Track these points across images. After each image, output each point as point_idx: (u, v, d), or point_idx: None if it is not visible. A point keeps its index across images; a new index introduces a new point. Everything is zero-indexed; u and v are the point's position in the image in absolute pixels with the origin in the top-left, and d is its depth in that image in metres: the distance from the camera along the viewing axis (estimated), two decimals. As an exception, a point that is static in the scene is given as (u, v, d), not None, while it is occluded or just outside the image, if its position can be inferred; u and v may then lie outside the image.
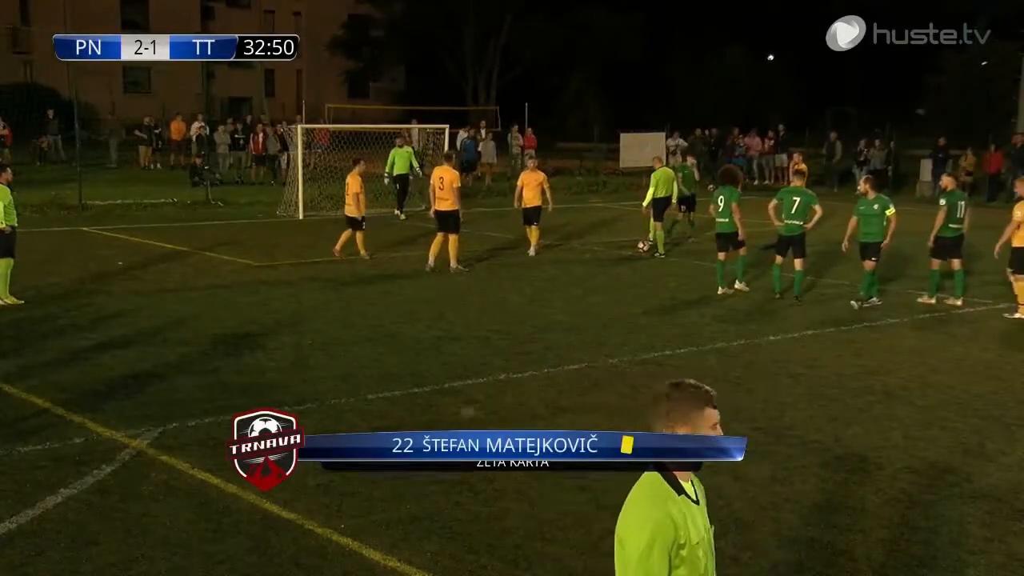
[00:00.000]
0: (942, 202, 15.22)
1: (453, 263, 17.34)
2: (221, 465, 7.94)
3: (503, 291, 15.94)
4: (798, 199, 15.30)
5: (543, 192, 19.35)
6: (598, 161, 38.70)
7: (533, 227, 19.46)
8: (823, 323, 13.95)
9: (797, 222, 15.21)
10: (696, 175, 22.82)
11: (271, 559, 6.45)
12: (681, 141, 38.42)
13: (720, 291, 15.84)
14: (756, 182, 37.33)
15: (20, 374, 10.48)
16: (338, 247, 18.59)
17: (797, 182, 15.95)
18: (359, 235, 18.59)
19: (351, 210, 18.59)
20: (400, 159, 25.95)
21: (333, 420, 9.21)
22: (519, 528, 6.98)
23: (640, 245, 20.49)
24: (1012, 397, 10.53)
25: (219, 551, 6.53)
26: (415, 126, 33.92)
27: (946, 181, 16.08)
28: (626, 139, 39.25)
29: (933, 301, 15.24)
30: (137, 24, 57.21)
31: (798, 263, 15.32)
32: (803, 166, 22.29)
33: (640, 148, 36.06)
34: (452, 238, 17.32)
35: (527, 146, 37.02)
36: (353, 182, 18.60)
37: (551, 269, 18.15)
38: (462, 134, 34.37)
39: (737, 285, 16.16)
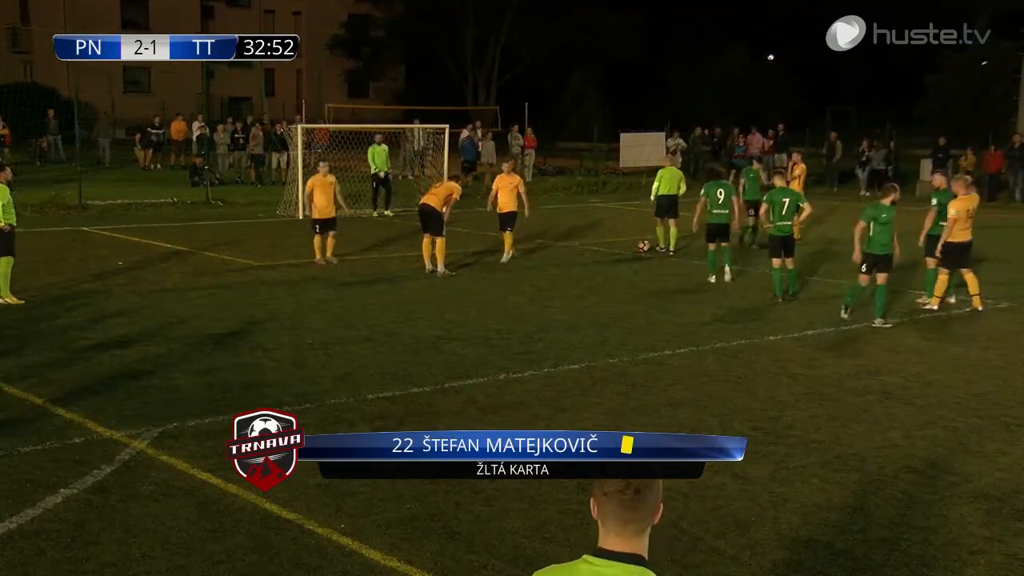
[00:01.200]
0: (934, 201, 15.25)
1: (440, 267, 17.11)
2: (221, 465, 7.95)
3: (503, 291, 15.94)
4: (787, 200, 15.44)
5: (519, 196, 18.58)
6: (598, 161, 38.69)
7: (507, 233, 18.75)
8: (823, 323, 13.95)
9: (787, 223, 15.36)
10: (762, 178, 21.46)
11: (271, 559, 6.45)
12: (681, 141, 38.41)
13: (712, 279, 16.82)
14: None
15: (20, 374, 10.48)
16: (318, 254, 17.99)
17: (780, 182, 16.13)
18: (316, 239, 18.02)
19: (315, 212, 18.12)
20: (379, 157, 26.00)
21: (333, 420, 9.21)
22: (519, 528, 6.98)
23: (640, 245, 20.50)
24: (1012, 397, 10.53)
25: (219, 551, 6.53)
26: (417, 126, 33.96)
27: (938, 180, 15.99)
28: (626, 139, 39.24)
29: (931, 301, 15.18)
30: (137, 24, 57.23)
31: (790, 262, 15.44)
32: (802, 166, 22.32)
33: (640, 148, 36.08)
34: (439, 241, 17.03)
35: (527, 146, 37.04)
36: (308, 184, 18.27)
37: (551, 269, 18.15)
38: (464, 134, 34.39)
39: (727, 277, 16.88)
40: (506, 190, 18.64)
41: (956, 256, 14.74)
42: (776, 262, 15.43)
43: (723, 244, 17.02)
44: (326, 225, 17.98)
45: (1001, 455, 8.69)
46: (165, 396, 9.85)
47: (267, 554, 6.51)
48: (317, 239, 17.98)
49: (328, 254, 18.06)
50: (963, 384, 10.97)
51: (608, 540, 3.08)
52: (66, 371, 10.66)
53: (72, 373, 10.60)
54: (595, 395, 10.27)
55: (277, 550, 6.57)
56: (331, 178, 18.27)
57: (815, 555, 6.70)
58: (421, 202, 17.52)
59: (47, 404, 9.50)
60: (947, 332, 13.66)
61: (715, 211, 16.92)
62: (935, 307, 14.79)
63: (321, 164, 18.85)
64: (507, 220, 18.77)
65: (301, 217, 24.79)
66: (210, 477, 7.73)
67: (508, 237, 18.84)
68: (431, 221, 17.06)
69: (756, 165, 22.72)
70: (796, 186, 21.48)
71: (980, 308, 14.74)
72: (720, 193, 16.97)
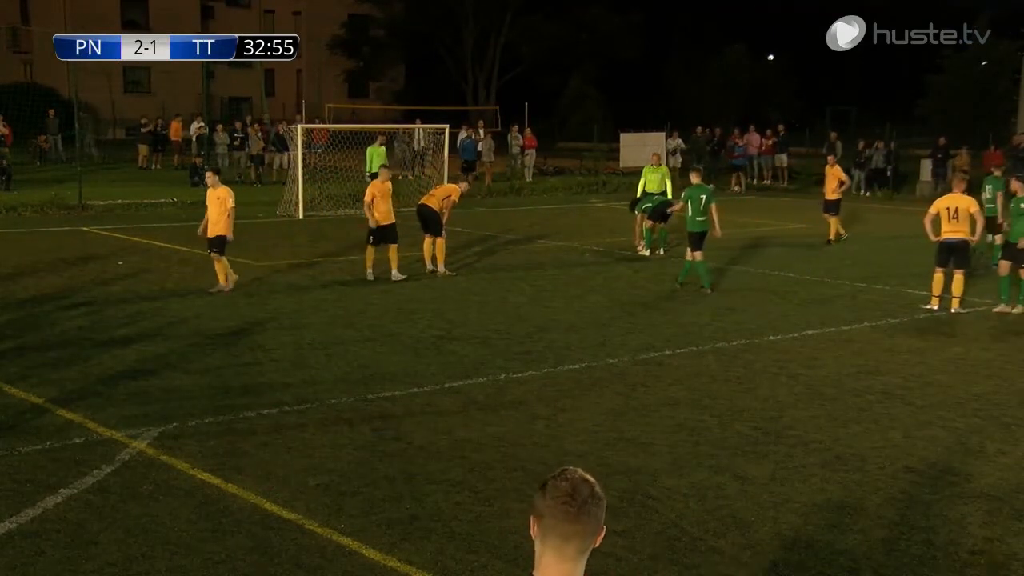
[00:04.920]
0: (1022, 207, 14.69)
1: (440, 267, 17.09)
2: (221, 465, 7.96)
3: (503, 291, 15.94)
4: (704, 196, 16.18)
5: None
6: (598, 161, 38.72)
7: (392, 246, 16.62)
8: (823, 323, 13.95)
9: (704, 218, 16.06)
10: (1000, 195, 18.28)
11: (271, 559, 6.45)
12: (680, 141, 38.42)
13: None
14: (755, 181, 37.35)
15: (20, 374, 10.48)
16: (221, 279, 15.32)
17: (696, 180, 16.72)
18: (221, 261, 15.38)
19: (223, 227, 15.14)
20: (377, 157, 26.03)
21: (333, 420, 9.21)
22: (519, 528, 6.97)
23: (640, 245, 20.49)
24: (1012, 397, 10.52)
25: (219, 551, 6.53)
26: (418, 126, 33.97)
27: (1015, 186, 15.01)
28: (626, 139, 39.29)
29: (1012, 309, 14.67)
30: (137, 24, 57.24)
31: (699, 255, 15.99)
32: (839, 175, 22.54)
33: (640, 148, 36.10)
34: (439, 241, 17.04)
35: (527, 146, 37.07)
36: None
37: (551, 269, 18.15)
38: (462, 134, 34.42)
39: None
40: (386, 198, 16.61)
41: (944, 255, 14.74)
42: (697, 255, 16.01)
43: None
44: (211, 243, 15.24)
45: (1001, 455, 8.69)
46: (165, 396, 9.85)
47: (267, 554, 6.50)
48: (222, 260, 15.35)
49: (222, 279, 15.25)
50: (963, 384, 10.97)
51: (548, 568, 2.83)
52: (66, 371, 10.66)
53: (72, 373, 10.59)
54: (595, 395, 10.27)
55: (277, 550, 6.56)
56: (221, 191, 15.27)
57: (815, 555, 6.70)
58: (419, 203, 17.48)
59: (47, 404, 9.50)
60: (947, 332, 13.66)
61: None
62: (935, 307, 14.75)
63: (209, 175, 15.81)
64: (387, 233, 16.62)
65: (301, 217, 24.88)
66: (210, 477, 7.72)
67: (393, 251, 16.62)
68: (430, 222, 17.06)
69: (996, 172, 19.37)
70: (835, 196, 22.17)
71: (953, 310, 14.68)
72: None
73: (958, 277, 14.74)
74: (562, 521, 2.80)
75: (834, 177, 22.28)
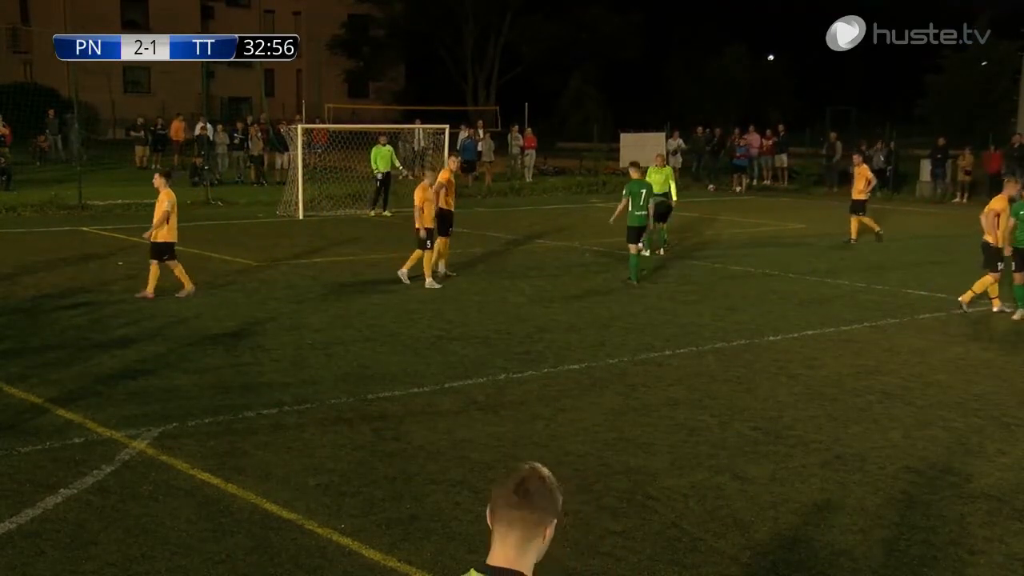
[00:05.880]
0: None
1: (441, 267, 16.96)
2: (221, 465, 7.96)
3: (503, 291, 15.93)
4: (644, 191, 16.63)
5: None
6: (598, 161, 38.72)
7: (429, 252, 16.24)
8: (823, 323, 13.95)
9: (644, 212, 16.61)
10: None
11: (271, 559, 6.45)
12: (680, 142, 38.43)
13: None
14: (755, 182, 37.35)
15: (20, 374, 10.48)
16: (151, 289, 14.55)
17: (636, 175, 17.04)
18: (177, 265, 14.88)
19: (165, 233, 14.62)
20: (382, 158, 26.08)
21: (333, 420, 9.21)
22: (519, 528, 6.96)
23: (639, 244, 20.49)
24: (1012, 397, 10.52)
25: (219, 551, 6.53)
26: (419, 126, 33.98)
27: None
28: (626, 139, 39.32)
29: None
30: (137, 24, 57.25)
31: (633, 248, 16.54)
32: (867, 174, 22.60)
33: (640, 148, 36.13)
34: (443, 241, 16.99)
35: (527, 146, 37.07)
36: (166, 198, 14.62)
37: (551, 269, 18.15)
38: (462, 134, 34.44)
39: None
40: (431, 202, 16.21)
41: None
42: (633, 248, 16.50)
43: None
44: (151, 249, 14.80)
45: (1001, 455, 8.69)
46: (165, 396, 9.84)
47: (267, 554, 6.50)
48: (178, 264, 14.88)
49: (186, 288, 14.73)
50: (963, 384, 10.97)
51: (495, 554, 2.93)
52: (66, 371, 10.66)
53: (72, 373, 10.59)
54: (595, 395, 10.27)
55: (277, 550, 6.56)
56: (161, 195, 14.70)
57: (815, 555, 6.70)
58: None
59: (47, 404, 9.49)
60: (947, 332, 13.66)
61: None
62: (995, 308, 14.71)
63: (156, 177, 15.05)
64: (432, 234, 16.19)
65: (301, 217, 24.88)
66: (210, 477, 7.72)
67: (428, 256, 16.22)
68: (443, 222, 17.00)
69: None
70: (862, 196, 22.12)
71: (966, 309, 14.68)
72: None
73: (985, 278, 14.69)
74: (505, 507, 2.90)
75: (861, 177, 22.29)
